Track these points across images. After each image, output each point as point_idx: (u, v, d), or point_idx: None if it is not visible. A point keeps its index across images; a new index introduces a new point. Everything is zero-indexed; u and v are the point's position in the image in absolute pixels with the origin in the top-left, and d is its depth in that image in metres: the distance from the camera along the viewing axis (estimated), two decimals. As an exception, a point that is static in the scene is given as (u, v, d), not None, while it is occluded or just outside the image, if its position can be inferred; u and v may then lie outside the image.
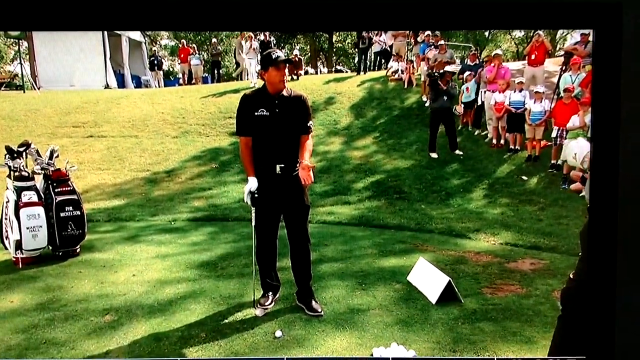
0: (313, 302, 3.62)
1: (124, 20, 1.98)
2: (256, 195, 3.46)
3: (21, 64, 12.04)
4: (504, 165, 8.26)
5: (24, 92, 12.38)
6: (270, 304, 3.63)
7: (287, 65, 3.44)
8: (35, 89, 12.30)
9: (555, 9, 2.01)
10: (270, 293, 3.68)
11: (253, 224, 3.57)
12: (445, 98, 8.91)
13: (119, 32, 13.96)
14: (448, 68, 9.40)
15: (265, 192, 3.45)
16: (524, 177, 7.73)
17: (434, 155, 8.96)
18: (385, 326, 3.40)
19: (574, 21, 1.99)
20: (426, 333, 3.28)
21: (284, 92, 3.43)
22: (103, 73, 13.42)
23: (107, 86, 13.45)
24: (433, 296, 3.75)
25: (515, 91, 8.34)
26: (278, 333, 3.29)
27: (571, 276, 2.34)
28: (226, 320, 3.50)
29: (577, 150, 2.17)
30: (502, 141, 8.75)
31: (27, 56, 13.21)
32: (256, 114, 3.39)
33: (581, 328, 2.34)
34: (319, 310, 3.57)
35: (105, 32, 13.12)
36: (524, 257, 4.85)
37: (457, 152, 8.92)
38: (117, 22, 1.97)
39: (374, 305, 3.73)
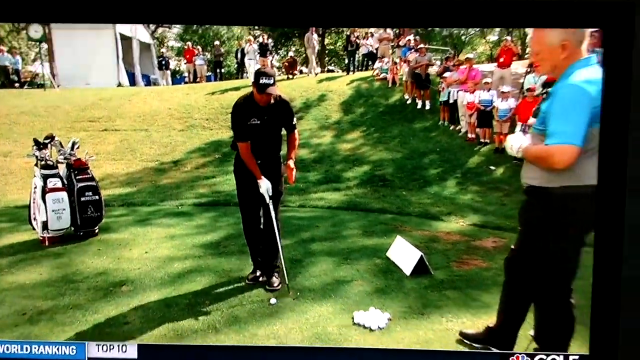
0: (273, 278, 3.67)
1: (136, 14, 1.94)
2: (270, 194, 3.53)
3: (42, 65, 12.00)
4: (475, 157, 8.33)
5: (45, 90, 12.30)
6: (257, 278, 3.75)
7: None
8: (54, 87, 12.26)
9: (566, 8, 1.87)
10: (259, 271, 3.78)
11: (273, 214, 3.59)
12: None
13: (129, 35, 13.94)
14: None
15: (249, 179, 3.55)
16: (492, 167, 7.80)
17: None
18: (366, 294, 3.54)
19: (583, 20, 1.89)
20: (400, 300, 3.44)
21: (271, 100, 3.47)
22: (116, 72, 13.37)
23: (119, 84, 13.41)
24: (407, 269, 3.88)
25: (484, 91, 8.37)
26: (273, 300, 3.42)
27: (513, 247, 2.51)
28: (227, 290, 3.63)
29: (513, 142, 2.29)
30: (473, 135, 8.81)
31: (47, 57, 13.17)
32: (249, 123, 3.45)
33: (522, 292, 2.53)
34: (275, 285, 3.62)
35: (118, 35, 13.08)
36: (488, 236, 4.97)
37: None
38: (130, 16, 1.95)
39: (357, 277, 3.85)
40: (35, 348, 2.48)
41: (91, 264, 4.16)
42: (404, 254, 4.08)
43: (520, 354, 2.30)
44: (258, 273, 3.77)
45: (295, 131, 3.67)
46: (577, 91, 2.04)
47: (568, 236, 2.20)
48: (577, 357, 2.22)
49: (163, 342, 2.90)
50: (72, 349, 2.47)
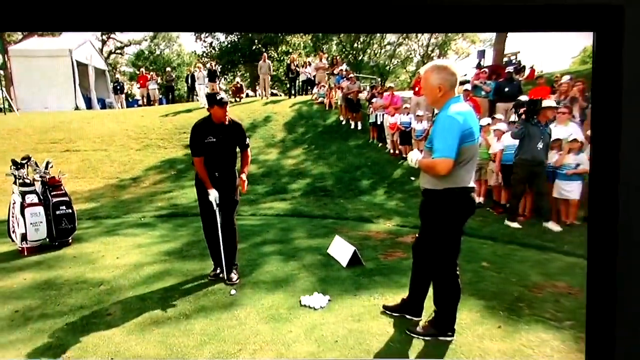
0: (232, 274, 3.95)
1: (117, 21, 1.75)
2: (217, 202, 3.83)
3: (2, 90, 11.59)
4: (399, 170, 8.84)
5: (5, 114, 11.95)
6: (218, 275, 4.02)
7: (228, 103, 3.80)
8: (15, 111, 11.84)
9: (556, 12, 1.76)
10: (219, 268, 4.05)
11: (219, 220, 3.90)
12: (540, 146, 5.66)
13: (85, 62, 13.69)
14: (546, 103, 5.86)
15: (206, 190, 3.85)
16: (412, 178, 8.24)
17: (514, 225, 5.79)
18: (311, 283, 3.89)
19: (574, 23, 1.76)
20: (338, 285, 3.83)
21: (226, 121, 3.81)
22: (73, 96, 13.08)
23: (77, 107, 13.13)
24: (344, 261, 4.28)
25: (404, 114, 8.92)
26: (233, 292, 3.70)
27: (417, 235, 3.05)
28: (193, 286, 3.86)
29: (412, 156, 2.82)
30: (397, 151, 9.29)
31: (4, 83, 12.65)
32: (206, 141, 3.75)
33: (424, 269, 3.03)
34: (234, 279, 3.91)
35: (75, 62, 12.83)
36: (409, 233, 5.43)
37: (550, 225, 5.60)
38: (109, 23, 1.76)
39: (303, 271, 4.19)
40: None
41: (69, 269, 4.28)
42: (341, 250, 4.47)
43: None
44: (218, 270, 4.05)
45: (248, 149, 4.03)
46: (451, 120, 2.59)
47: (451, 224, 2.75)
48: None
49: (142, 328, 3.15)
50: None
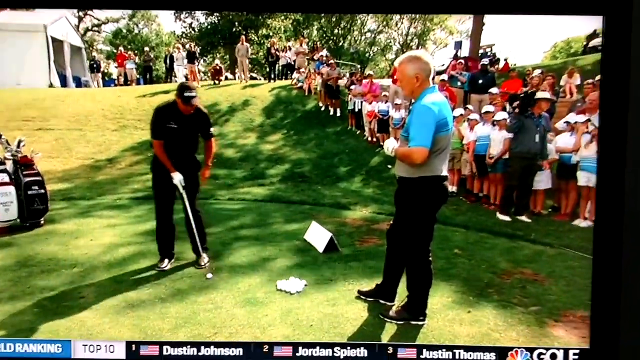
0: (202, 258, 3.89)
1: None
2: (183, 184, 3.69)
3: (-28, 65, 11.02)
4: (376, 157, 8.82)
5: (-26, 89, 11.31)
6: (165, 266, 3.86)
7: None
8: (-15, 87, 11.34)
9: None
10: (167, 260, 3.89)
11: (186, 203, 3.78)
12: (537, 138, 5.51)
13: (61, 38, 13.14)
14: (541, 95, 5.75)
15: (166, 175, 3.70)
16: (389, 166, 8.19)
17: (505, 218, 5.67)
18: (287, 268, 3.90)
19: (584, 7, 1.71)
20: (314, 271, 3.85)
21: (192, 110, 3.61)
22: (47, 73, 12.57)
23: (51, 85, 12.64)
24: (320, 247, 4.30)
25: (382, 102, 8.85)
26: (209, 275, 3.68)
27: (392, 222, 3.07)
28: (169, 269, 3.81)
29: (388, 145, 2.83)
30: (374, 139, 9.26)
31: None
32: (167, 125, 3.56)
33: (398, 255, 3.06)
34: (202, 264, 3.86)
35: (50, 38, 12.30)
36: (384, 220, 5.45)
37: (522, 218, 5.63)
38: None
39: (280, 256, 4.19)
40: (19, 346, 2.38)
41: (41, 251, 4.16)
42: (317, 235, 4.47)
43: (519, 348, 2.29)
44: (166, 264, 3.87)
45: (212, 139, 3.87)
46: (426, 109, 2.62)
47: (424, 211, 2.78)
48: (577, 351, 2.09)
49: (116, 311, 3.09)
50: (58, 346, 2.42)
